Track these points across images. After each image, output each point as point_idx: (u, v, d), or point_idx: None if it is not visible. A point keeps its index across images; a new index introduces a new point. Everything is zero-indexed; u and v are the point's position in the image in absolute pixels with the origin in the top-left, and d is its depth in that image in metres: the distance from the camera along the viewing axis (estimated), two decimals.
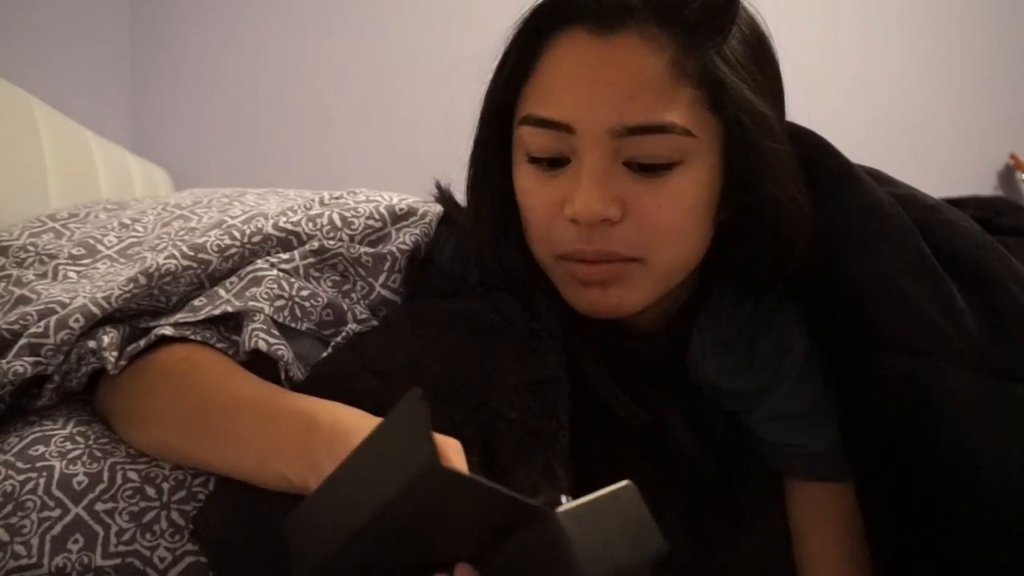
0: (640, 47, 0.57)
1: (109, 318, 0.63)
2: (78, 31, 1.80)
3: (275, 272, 0.67)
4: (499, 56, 0.64)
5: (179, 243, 0.69)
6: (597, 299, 0.62)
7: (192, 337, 0.62)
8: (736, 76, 0.58)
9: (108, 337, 0.61)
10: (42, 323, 0.60)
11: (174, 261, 0.66)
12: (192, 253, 0.67)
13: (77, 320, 0.60)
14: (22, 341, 0.60)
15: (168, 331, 0.61)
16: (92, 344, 0.61)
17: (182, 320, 0.63)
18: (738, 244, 0.64)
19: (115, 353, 0.60)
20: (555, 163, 0.60)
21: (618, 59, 0.57)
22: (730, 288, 0.70)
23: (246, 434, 0.52)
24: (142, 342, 0.61)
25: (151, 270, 0.65)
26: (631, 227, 0.59)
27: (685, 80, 0.57)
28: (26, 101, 1.13)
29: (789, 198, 0.61)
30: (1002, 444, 0.59)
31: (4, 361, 0.59)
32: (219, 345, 0.62)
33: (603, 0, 0.57)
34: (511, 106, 0.63)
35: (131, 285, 0.64)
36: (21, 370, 0.59)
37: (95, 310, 0.61)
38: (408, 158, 1.91)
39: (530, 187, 0.62)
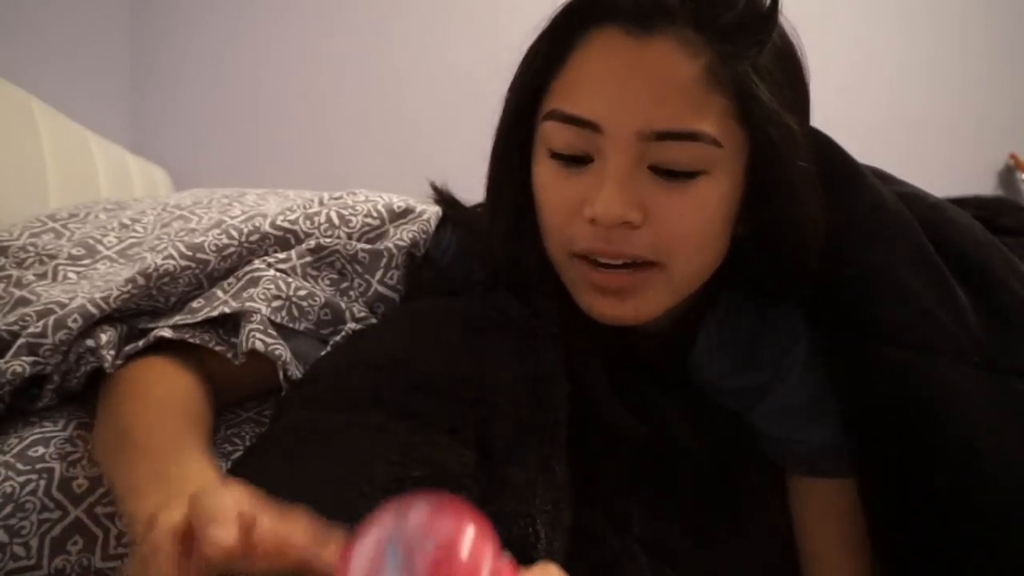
0: (675, 51, 0.55)
1: (108, 318, 0.63)
2: (78, 31, 1.80)
3: (272, 272, 0.67)
4: (525, 51, 0.62)
5: (177, 243, 0.69)
6: (612, 308, 0.61)
7: (190, 339, 0.62)
8: (768, 89, 0.57)
9: (106, 335, 0.61)
10: (40, 323, 0.60)
11: (172, 261, 0.66)
12: (190, 253, 0.67)
13: (75, 320, 0.60)
14: (20, 341, 0.60)
15: (167, 333, 0.61)
16: (90, 343, 0.61)
17: (180, 322, 0.63)
18: (753, 257, 0.64)
19: (112, 352, 0.60)
20: (577, 160, 0.59)
21: (652, 61, 0.55)
22: (737, 294, 0.69)
23: (134, 478, 0.49)
24: (140, 342, 0.61)
25: (149, 270, 0.65)
26: (651, 232, 0.58)
27: (718, 89, 0.55)
28: (26, 101, 1.13)
29: (809, 216, 0.61)
30: (1004, 439, 0.59)
31: (2, 361, 0.59)
32: (218, 347, 0.62)
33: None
34: (536, 101, 0.62)
35: (129, 286, 0.64)
36: (20, 370, 0.59)
37: (93, 310, 0.61)
38: (408, 158, 1.91)
39: (549, 183, 0.61)
